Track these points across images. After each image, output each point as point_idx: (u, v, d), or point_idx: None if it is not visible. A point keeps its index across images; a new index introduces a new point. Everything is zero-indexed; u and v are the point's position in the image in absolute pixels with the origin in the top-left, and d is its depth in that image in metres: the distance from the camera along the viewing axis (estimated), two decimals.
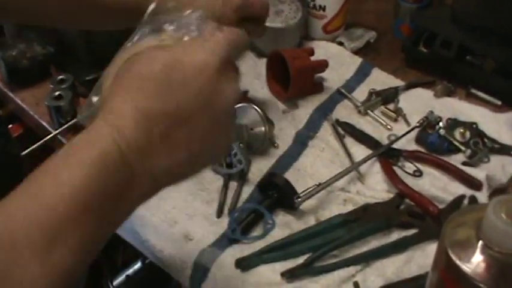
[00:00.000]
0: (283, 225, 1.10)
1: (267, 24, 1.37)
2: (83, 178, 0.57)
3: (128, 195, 0.61)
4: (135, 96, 0.62)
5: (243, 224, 1.08)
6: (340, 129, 1.26)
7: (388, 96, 1.32)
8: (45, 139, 1.15)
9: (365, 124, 1.28)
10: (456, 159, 1.19)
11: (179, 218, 1.10)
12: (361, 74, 1.40)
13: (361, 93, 1.35)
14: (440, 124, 1.23)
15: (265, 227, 1.09)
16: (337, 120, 1.28)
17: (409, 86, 1.35)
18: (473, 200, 1.10)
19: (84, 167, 0.57)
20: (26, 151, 1.11)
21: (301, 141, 1.25)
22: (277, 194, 1.10)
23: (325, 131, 1.27)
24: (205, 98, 0.65)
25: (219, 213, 1.12)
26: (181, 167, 0.65)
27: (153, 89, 0.62)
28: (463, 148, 1.20)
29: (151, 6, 0.81)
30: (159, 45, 0.70)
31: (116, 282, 1.69)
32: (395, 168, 1.17)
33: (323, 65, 1.35)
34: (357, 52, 1.46)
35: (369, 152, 1.21)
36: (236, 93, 0.70)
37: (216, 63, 0.66)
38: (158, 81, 0.63)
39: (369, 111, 1.30)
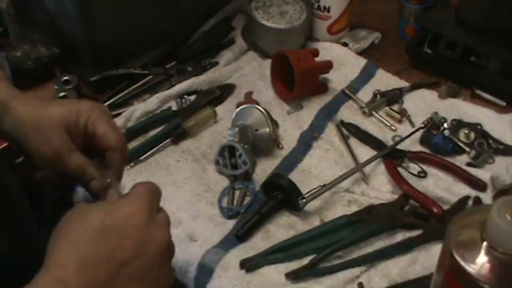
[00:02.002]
0: (288, 226, 1.10)
1: (272, 25, 1.38)
2: None
3: None
4: (75, 245, 0.69)
5: (247, 226, 1.08)
6: (344, 130, 1.26)
7: (392, 97, 1.32)
8: None
9: (369, 125, 1.28)
10: (461, 160, 1.19)
11: (184, 218, 1.11)
12: (365, 75, 1.40)
13: (365, 94, 1.35)
14: (445, 125, 1.23)
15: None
16: (341, 121, 1.28)
17: (414, 87, 1.35)
18: (477, 201, 1.10)
19: None
20: None
21: (306, 142, 1.25)
22: (282, 195, 1.10)
23: (330, 132, 1.27)
24: (138, 242, 0.72)
25: (229, 215, 1.12)
26: None
27: (90, 236, 0.70)
28: (467, 149, 1.20)
29: None
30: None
31: None
32: (399, 169, 1.17)
33: (327, 66, 1.35)
34: (361, 53, 1.46)
35: (373, 153, 1.21)
36: (166, 237, 0.77)
37: (144, 211, 0.74)
38: (95, 230, 0.70)
39: (373, 112, 1.30)
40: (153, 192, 0.79)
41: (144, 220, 0.73)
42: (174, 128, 1.25)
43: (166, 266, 0.76)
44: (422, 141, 1.23)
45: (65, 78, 1.33)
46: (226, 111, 1.31)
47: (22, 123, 0.88)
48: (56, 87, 1.31)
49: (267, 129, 1.20)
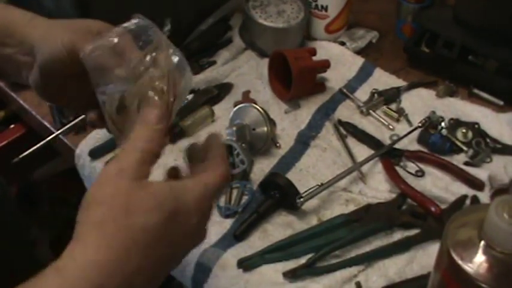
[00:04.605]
0: (285, 225, 1.10)
1: (270, 24, 1.38)
2: None
3: None
4: (128, 251, 0.60)
5: (244, 225, 1.08)
6: (342, 130, 1.26)
7: (390, 97, 1.32)
8: (47, 139, 1.15)
9: (367, 124, 1.28)
10: (458, 160, 1.19)
11: None
12: (363, 74, 1.40)
13: (363, 94, 1.35)
14: (443, 124, 1.23)
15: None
16: (339, 121, 1.28)
17: (411, 86, 1.35)
18: (475, 200, 1.10)
19: None
20: (27, 152, 1.11)
21: (303, 141, 1.25)
22: (279, 194, 1.10)
23: (327, 131, 1.27)
24: (185, 240, 0.66)
25: (227, 214, 1.12)
26: None
27: (147, 243, 0.61)
28: (465, 148, 1.20)
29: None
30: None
31: None
32: (397, 168, 1.17)
33: (325, 65, 1.35)
34: (359, 52, 1.46)
35: (371, 152, 1.21)
36: (205, 234, 0.71)
37: (206, 210, 0.68)
38: (154, 236, 0.62)
39: (371, 111, 1.30)
40: (221, 185, 0.70)
41: (200, 220, 0.67)
42: (171, 127, 1.25)
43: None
44: (420, 140, 1.23)
45: None
46: (223, 110, 1.31)
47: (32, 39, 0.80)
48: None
49: (265, 129, 1.20)
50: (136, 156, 0.66)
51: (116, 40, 0.74)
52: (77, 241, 0.61)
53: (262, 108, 1.21)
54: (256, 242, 1.07)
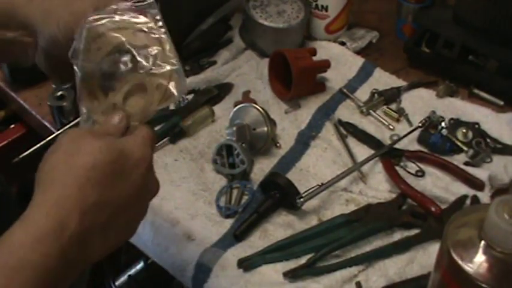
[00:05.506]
0: (286, 225, 1.10)
1: (270, 24, 1.38)
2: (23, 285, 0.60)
3: (63, 282, 0.64)
4: (82, 188, 0.66)
5: (244, 225, 1.08)
6: (342, 129, 1.26)
7: (390, 97, 1.32)
8: (47, 139, 1.15)
9: (367, 124, 1.28)
10: (458, 159, 1.19)
11: (181, 218, 1.11)
12: (363, 74, 1.40)
13: (363, 94, 1.35)
14: (443, 124, 1.23)
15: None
16: (339, 120, 1.28)
17: (412, 86, 1.35)
18: (475, 200, 1.10)
19: (25, 271, 0.60)
20: (27, 152, 1.11)
21: (304, 141, 1.25)
22: (280, 194, 1.10)
23: (328, 131, 1.27)
24: (140, 187, 0.71)
25: (227, 214, 1.12)
26: (110, 248, 0.71)
27: (99, 180, 0.67)
28: (465, 148, 1.20)
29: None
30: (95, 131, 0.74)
31: (118, 282, 1.69)
32: (397, 168, 1.17)
33: (325, 65, 1.35)
34: (359, 52, 1.46)
35: (371, 152, 1.21)
36: (157, 189, 0.77)
37: (149, 157, 0.73)
38: (105, 174, 0.68)
39: (371, 111, 1.30)
40: (154, 140, 0.77)
41: (147, 169, 0.73)
42: (172, 127, 1.25)
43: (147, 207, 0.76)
44: (420, 140, 1.23)
45: None
46: (224, 110, 1.31)
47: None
48: (54, 86, 1.31)
49: (265, 128, 1.20)
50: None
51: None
52: (36, 189, 0.66)
53: (263, 108, 1.21)
54: (256, 242, 1.07)
